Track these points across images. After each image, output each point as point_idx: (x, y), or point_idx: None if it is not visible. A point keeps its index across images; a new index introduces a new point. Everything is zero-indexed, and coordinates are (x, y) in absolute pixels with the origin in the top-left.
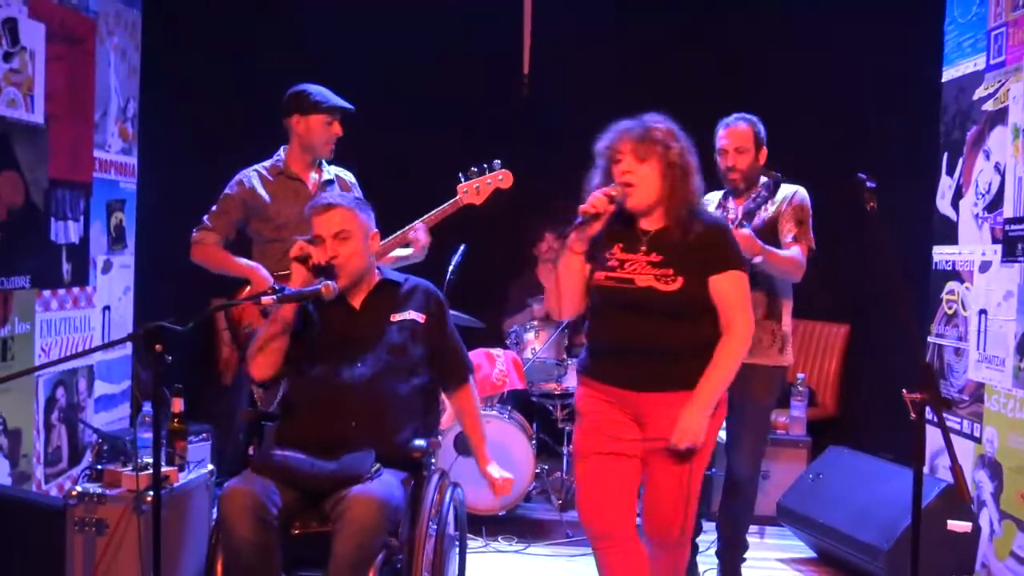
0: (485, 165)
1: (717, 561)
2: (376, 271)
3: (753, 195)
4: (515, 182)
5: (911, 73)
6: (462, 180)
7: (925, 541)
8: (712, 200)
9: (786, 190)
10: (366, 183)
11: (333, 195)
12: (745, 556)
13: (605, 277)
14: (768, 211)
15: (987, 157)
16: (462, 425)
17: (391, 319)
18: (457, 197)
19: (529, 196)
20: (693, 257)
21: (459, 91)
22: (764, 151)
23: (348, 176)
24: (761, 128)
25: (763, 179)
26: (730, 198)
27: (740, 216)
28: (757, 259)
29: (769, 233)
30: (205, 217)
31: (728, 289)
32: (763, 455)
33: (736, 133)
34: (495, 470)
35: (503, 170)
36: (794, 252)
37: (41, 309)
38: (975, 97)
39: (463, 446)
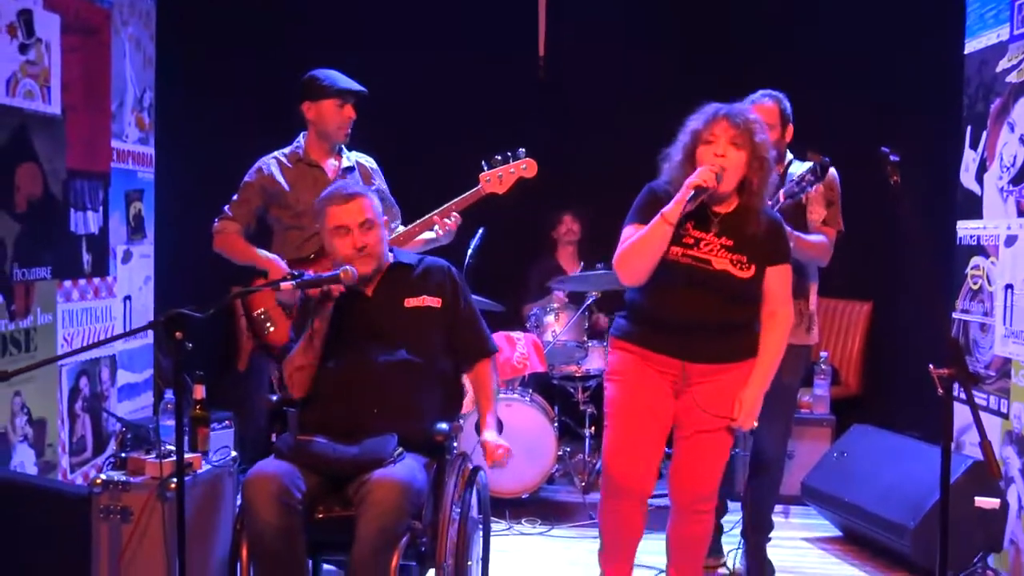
0: (509, 153)
1: (742, 541)
2: (388, 255)
3: (797, 178)
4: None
5: (933, 46)
6: (485, 168)
7: (952, 518)
8: None
9: None
10: (382, 170)
11: (348, 184)
12: (770, 536)
13: (682, 253)
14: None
15: (1011, 129)
16: (475, 396)
17: (405, 304)
18: (479, 187)
19: (546, 179)
20: (759, 247)
21: (475, 75)
22: (791, 128)
23: (369, 162)
24: (787, 105)
25: (809, 163)
26: None
27: (783, 200)
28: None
29: (797, 212)
30: (226, 207)
31: (779, 281)
32: (790, 434)
33: (762, 110)
34: (491, 436)
35: (527, 159)
36: (822, 237)
37: (63, 300)
38: (998, 69)
39: None
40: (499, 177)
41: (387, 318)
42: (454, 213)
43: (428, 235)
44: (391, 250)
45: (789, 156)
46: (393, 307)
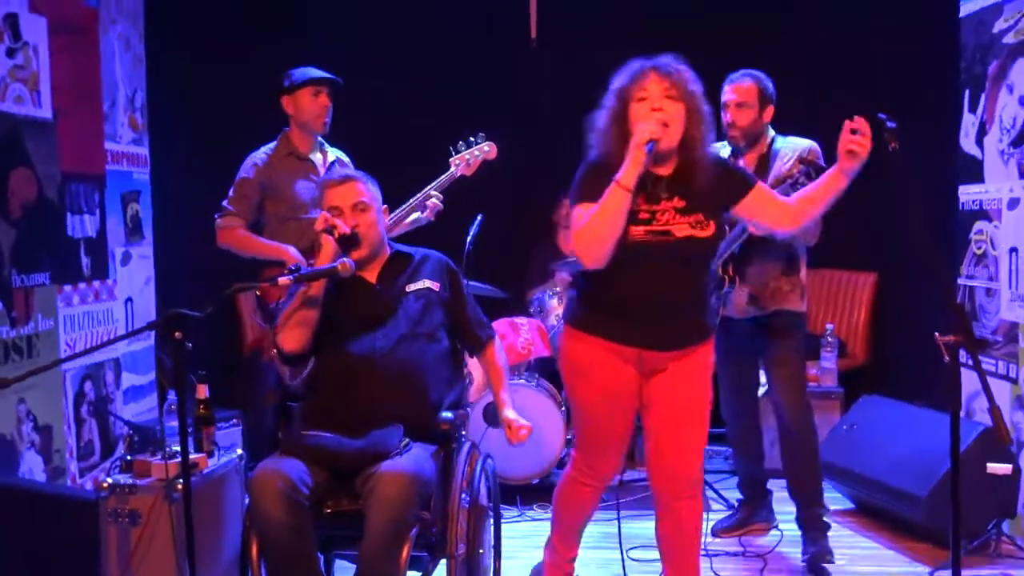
0: (472, 139)
1: (799, 529)
2: (387, 245)
3: (791, 181)
4: (527, 148)
5: (928, 9)
6: (453, 154)
7: (965, 486)
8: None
9: (799, 144)
10: (370, 150)
11: (344, 170)
12: (827, 506)
13: (644, 232)
14: (784, 167)
15: (1010, 91)
16: (487, 377)
17: (407, 289)
18: (452, 170)
19: (542, 161)
20: (712, 198)
21: (467, 57)
22: (770, 109)
23: (346, 159)
24: (768, 85)
25: (801, 166)
26: (738, 156)
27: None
28: None
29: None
30: (225, 203)
31: (764, 191)
32: (807, 401)
33: (740, 89)
34: (512, 413)
35: (488, 142)
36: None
37: (63, 304)
38: (995, 30)
39: (492, 418)
40: (467, 161)
41: (390, 303)
42: (437, 194)
43: (413, 216)
44: (389, 242)
45: (772, 134)
46: (396, 292)
